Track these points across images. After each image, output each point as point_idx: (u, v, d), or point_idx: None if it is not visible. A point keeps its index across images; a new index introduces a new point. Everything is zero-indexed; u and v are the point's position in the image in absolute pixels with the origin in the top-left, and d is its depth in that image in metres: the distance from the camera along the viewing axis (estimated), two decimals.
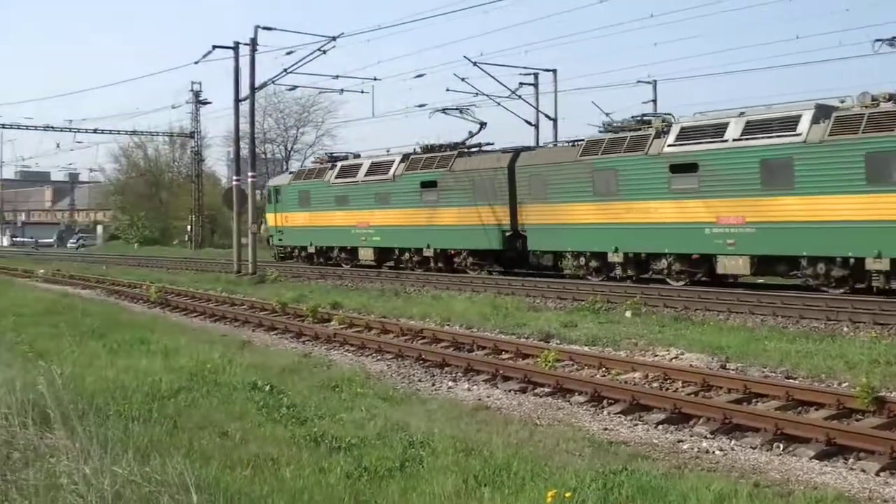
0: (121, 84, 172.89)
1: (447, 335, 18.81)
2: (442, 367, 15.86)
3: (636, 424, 11.56)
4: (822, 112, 24.98)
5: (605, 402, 12.67)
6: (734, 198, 26.59)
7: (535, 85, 49.51)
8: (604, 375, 14.47)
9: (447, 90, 47.69)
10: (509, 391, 13.80)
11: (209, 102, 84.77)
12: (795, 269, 25.88)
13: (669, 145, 28.49)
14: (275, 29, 38.25)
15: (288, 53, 39.11)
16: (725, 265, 27.15)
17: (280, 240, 48.94)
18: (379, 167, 41.40)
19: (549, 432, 10.59)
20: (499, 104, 46.79)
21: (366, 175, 41.96)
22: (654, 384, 13.65)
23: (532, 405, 12.75)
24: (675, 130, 28.71)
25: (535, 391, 13.67)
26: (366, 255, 41.97)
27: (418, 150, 40.36)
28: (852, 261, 24.18)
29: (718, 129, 27.29)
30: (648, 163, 29.00)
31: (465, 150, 37.91)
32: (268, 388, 12.38)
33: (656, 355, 16.13)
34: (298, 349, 18.54)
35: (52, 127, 79.96)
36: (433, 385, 14.48)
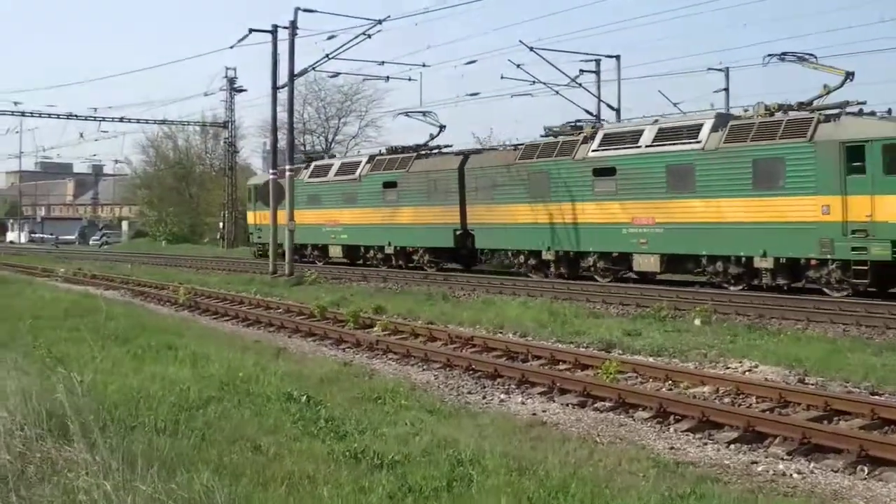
0: (150, 70, 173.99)
1: (499, 343, 18.80)
2: (494, 378, 15.82)
3: (705, 443, 11.46)
4: (721, 121, 30.24)
5: (671, 418, 12.59)
6: (646, 200, 31.53)
7: (597, 72, 49.42)
8: (670, 389, 14.39)
9: (502, 77, 47.62)
10: (567, 405, 13.74)
11: (244, 90, 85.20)
12: (699, 266, 30.50)
13: (593, 150, 33.69)
14: (316, 11, 38.26)
15: (330, 38, 39.16)
16: (640, 263, 32.10)
17: (259, 238, 53.94)
18: (348, 167, 47.43)
19: (611, 451, 10.52)
20: (557, 93, 46.69)
21: (335, 175, 47.93)
22: (726, 399, 13.54)
23: (592, 421, 12.69)
24: (599, 136, 33.99)
25: (595, 405, 13.61)
26: (335, 252, 48.47)
27: (384, 150, 46.54)
28: (743, 259, 28.99)
29: (635, 136, 32.52)
30: (575, 167, 34.15)
31: (424, 152, 43.48)
32: (304, 399, 12.41)
33: (728, 367, 16.00)
34: (338, 357, 18.57)
35: (76, 115, 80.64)
36: (484, 398, 14.45)
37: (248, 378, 13.77)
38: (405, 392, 13.62)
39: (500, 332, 21.05)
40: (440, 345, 19.44)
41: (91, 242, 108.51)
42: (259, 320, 24.98)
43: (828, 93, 28.95)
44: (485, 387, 15.30)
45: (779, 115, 28.77)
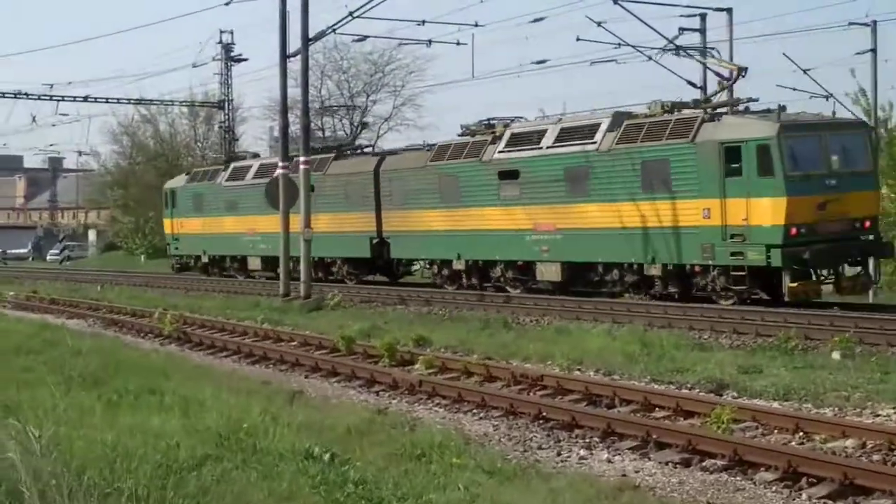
0: (122, 34, 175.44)
1: (578, 384, 18.81)
2: (571, 428, 15.84)
3: None
4: (617, 121, 35.15)
5: (803, 481, 12.53)
6: (547, 205, 36.63)
7: (702, 31, 49.07)
8: (802, 443, 14.33)
9: (577, 40, 47.25)
10: (666, 464, 13.73)
11: (245, 59, 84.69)
12: (604, 275, 35.53)
13: (500, 152, 39.05)
14: None
15: None
16: (542, 272, 37.57)
17: (176, 248, 61.03)
18: (265, 169, 51.24)
19: None
20: (650, 59, 46.45)
21: (254, 177, 52.70)
22: (875, 457, 13.47)
23: (699, 484, 12.67)
24: (506, 136, 39.33)
25: (703, 464, 13.59)
26: (254, 263, 53.67)
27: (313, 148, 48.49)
28: (635, 266, 34.15)
29: (539, 136, 37.93)
30: (482, 169, 39.53)
31: (343, 153, 49.16)
32: (327, 456, 12.46)
33: (877, 415, 15.91)
34: (370, 402, 18.66)
35: (25, 93, 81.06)
36: (558, 454, 14.46)
37: (255, 430, 13.83)
38: (457, 447, 13.64)
39: (579, 370, 21.05)
40: (501, 386, 19.47)
41: (49, 257, 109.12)
42: (268, 356, 25.17)
43: (722, 89, 34.96)
44: (559, 440, 15.30)
45: (667, 116, 33.87)
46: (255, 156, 56.53)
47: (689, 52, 36.97)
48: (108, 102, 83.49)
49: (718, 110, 33.33)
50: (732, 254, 31.11)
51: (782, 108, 32.55)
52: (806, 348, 22.89)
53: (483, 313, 32.53)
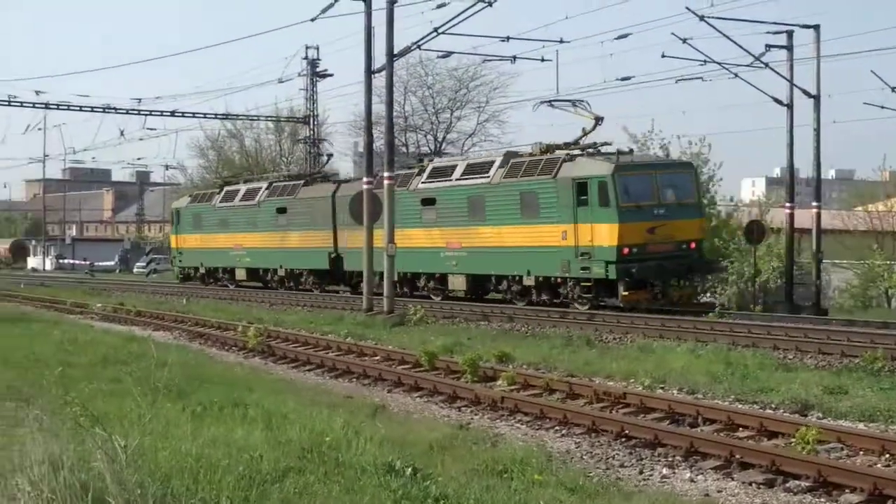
0: (209, 50, 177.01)
1: (661, 402, 18.75)
2: (653, 446, 15.80)
3: None
4: (506, 159, 43.68)
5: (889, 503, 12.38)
6: (455, 227, 44.59)
7: (789, 48, 48.70)
8: (888, 465, 14.18)
9: (663, 56, 47.12)
10: (749, 484, 13.65)
11: (330, 75, 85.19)
12: (498, 286, 43.81)
13: (422, 182, 47.42)
14: None
15: (439, 6, 39.28)
16: (453, 283, 45.95)
17: (180, 262, 71.43)
18: (250, 193, 62.74)
19: None
20: (736, 76, 46.22)
21: (241, 200, 63.20)
22: None
23: None
24: (428, 170, 48.06)
25: (787, 485, 13.50)
26: (240, 274, 63.75)
27: (281, 177, 64.09)
28: (517, 277, 42.11)
29: (451, 171, 46.57)
30: (409, 197, 47.27)
31: (311, 179, 59.28)
32: (409, 471, 12.45)
33: None
34: (452, 418, 18.69)
35: (114, 108, 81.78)
36: (640, 472, 14.42)
37: (337, 444, 13.86)
38: (539, 464, 13.62)
39: (662, 388, 20.98)
40: (583, 403, 19.43)
41: (136, 270, 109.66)
42: (350, 370, 25.30)
43: (584, 135, 42.62)
44: (642, 458, 15.27)
45: (541, 156, 42.08)
46: (249, 179, 67.26)
47: (572, 102, 43.16)
48: (194, 117, 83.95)
49: (574, 152, 41.31)
50: (582, 268, 38.82)
51: (624, 152, 41.04)
52: (893, 369, 22.63)
53: (565, 330, 32.45)
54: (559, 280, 40.26)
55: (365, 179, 41.56)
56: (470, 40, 61.64)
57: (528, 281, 41.51)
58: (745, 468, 14.26)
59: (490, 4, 37.32)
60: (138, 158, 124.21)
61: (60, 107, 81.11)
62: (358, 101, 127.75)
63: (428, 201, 46.65)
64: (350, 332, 33.03)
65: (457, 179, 45.32)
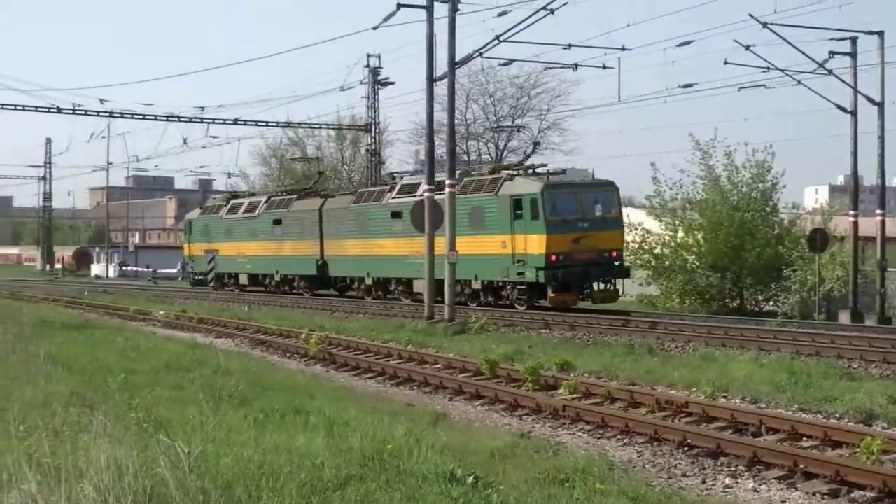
0: (271, 59, 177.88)
1: (723, 412, 18.63)
2: (716, 456, 15.72)
3: None
4: (461, 177, 46.88)
5: None
6: (419, 237, 44.94)
7: (853, 54, 48.37)
8: None
9: (725, 63, 46.95)
10: (813, 494, 13.56)
11: (391, 83, 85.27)
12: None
13: (392, 198, 53.90)
14: None
15: (501, 14, 39.38)
16: (417, 286, 49.38)
17: (192, 268, 79.38)
18: (252, 206, 69.92)
19: None
20: (799, 83, 45.93)
21: (243, 212, 70.25)
22: None
23: None
24: (398, 186, 54.65)
25: (852, 496, 13.40)
26: (243, 279, 70.65)
27: (278, 191, 72.00)
28: (468, 282, 47.39)
29: (416, 187, 50.40)
30: (382, 210, 54.38)
31: (303, 193, 66.02)
32: (470, 479, 12.47)
33: None
34: (513, 426, 18.66)
35: (177, 116, 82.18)
36: (703, 482, 14.36)
37: (399, 452, 13.89)
38: (600, 473, 13.59)
39: (724, 397, 20.84)
40: (645, 412, 19.36)
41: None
42: (411, 378, 25.33)
43: (526, 157, 53.61)
44: (704, 467, 15.20)
45: (487, 176, 48.71)
46: (252, 193, 76.09)
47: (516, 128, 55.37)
48: (256, 125, 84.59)
49: (513, 172, 47.38)
50: (518, 273, 44.70)
51: (555, 172, 47.71)
52: None
53: (627, 339, 32.36)
54: (501, 284, 46.65)
55: (426, 187, 41.58)
56: (531, 48, 61.46)
57: (476, 285, 47.73)
58: (808, 478, 14.16)
59: (552, 12, 37.23)
60: (201, 166, 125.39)
61: (124, 115, 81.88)
62: (419, 109, 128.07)
63: (396, 214, 52.88)
64: (411, 339, 33.03)
65: (420, 195, 47.66)
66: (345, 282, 60.17)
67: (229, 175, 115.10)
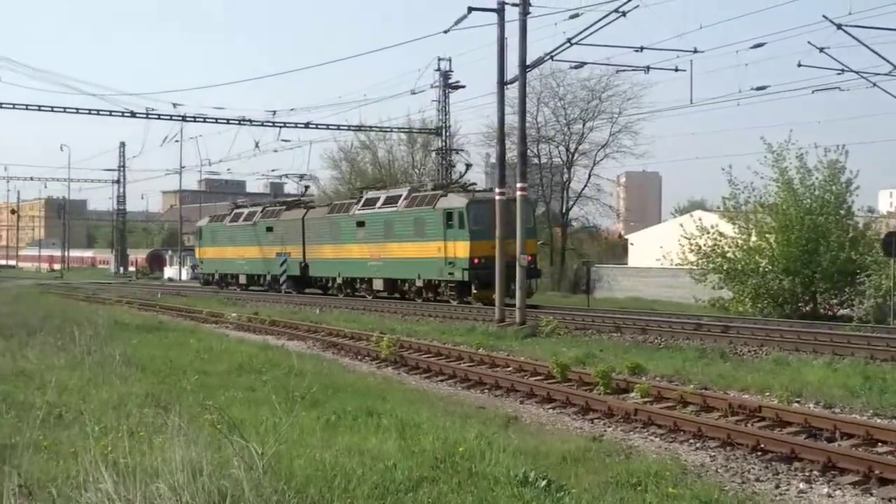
0: (341, 63, 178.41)
1: (796, 416, 18.49)
2: (789, 461, 15.63)
3: None
4: (409, 193, 59.38)
5: None
6: (377, 243, 60.38)
7: None
8: None
9: (799, 65, 46.62)
10: (889, 500, 13.45)
11: (462, 86, 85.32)
12: (402, 286, 59.79)
13: (357, 209, 63.97)
14: None
15: (572, 17, 39.23)
16: (375, 284, 61.76)
17: (201, 269, 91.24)
18: (250, 215, 79.83)
19: None
20: (874, 85, 45.53)
21: (243, 220, 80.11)
22: None
23: None
24: (362, 199, 65.05)
25: None
26: (242, 279, 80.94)
27: (273, 203, 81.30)
28: (413, 281, 57.69)
29: (376, 200, 62.51)
30: (350, 220, 64.45)
31: (291, 204, 76.02)
32: (543, 482, 12.47)
33: None
34: (585, 430, 18.64)
35: (249, 120, 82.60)
36: (777, 486, 14.27)
37: (471, 454, 13.92)
38: (673, 476, 13.56)
39: (798, 402, 20.71)
40: (718, 416, 19.26)
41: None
42: (483, 381, 25.30)
43: (461, 176, 64.39)
44: (777, 472, 15.10)
45: (430, 192, 58.42)
46: (255, 203, 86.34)
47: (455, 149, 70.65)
48: (328, 129, 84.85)
49: (450, 189, 57.45)
50: (449, 273, 54.29)
51: (481, 190, 59.28)
52: None
53: (699, 343, 32.19)
54: (437, 282, 56.19)
55: (497, 190, 41.63)
56: (603, 50, 61.59)
57: (419, 283, 57.67)
58: (884, 484, 14.04)
59: (623, 14, 37.13)
60: (272, 170, 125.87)
61: (197, 119, 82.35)
62: (489, 112, 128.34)
63: (360, 223, 63.36)
64: (482, 342, 32.98)
65: (378, 207, 62.09)
66: (320, 281, 70.28)
67: (300, 178, 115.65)
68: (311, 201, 78.53)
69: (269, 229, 75.41)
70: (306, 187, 77.48)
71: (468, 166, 69.73)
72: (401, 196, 60.24)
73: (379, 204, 62.11)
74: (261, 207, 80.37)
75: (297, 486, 11.01)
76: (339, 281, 66.34)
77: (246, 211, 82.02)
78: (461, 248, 52.65)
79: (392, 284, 61.03)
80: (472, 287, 52.77)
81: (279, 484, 10.49)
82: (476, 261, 51.75)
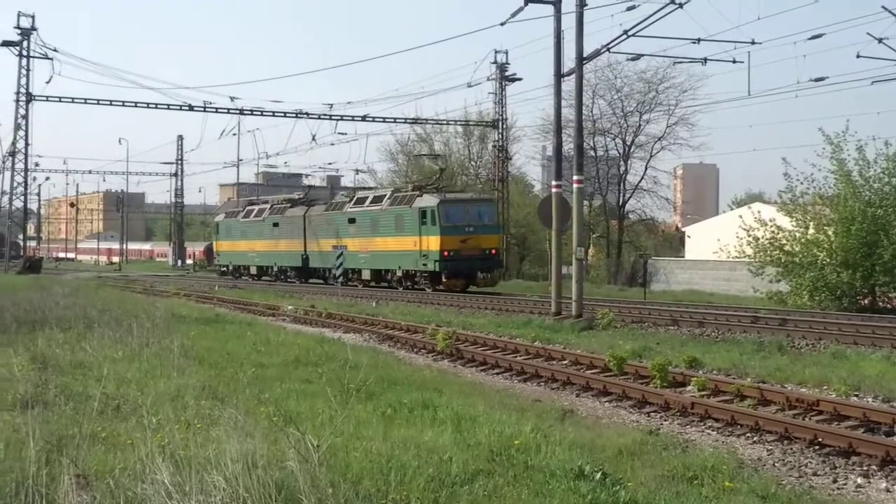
0: (398, 56, 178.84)
1: (855, 410, 18.33)
2: (847, 455, 15.54)
3: None
4: (392, 193, 68.08)
5: None
6: (365, 237, 68.27)
7: None
8: None
9: (857, 57, 46.38)
10: None
11: (518, 79, 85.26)
12: (385, 276, 67.67)
13: (349, 207, 71.68)
14: None
15: (629, 9, 39.17)
16: (363, 274, 68.94)
17: (217, 261, 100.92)
18: (259, 212, 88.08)
19: None
20: None
21: (254, 217, 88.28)
22: None
23: None
24: (354, 198, 73.20)
25: None
26: (253, 270, 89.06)
27: (279, 200, 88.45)
28: (394, 271, 65.61)
29: (364, 200, 70.80)
30: (343, 217, 71.93)
31: (295, 202, 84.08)
32: (598, 475, 12.43)
33: None
34: (641, 423, 18.59)
35: (306, 113, 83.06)
36: (834, 481, 14.19)
37: (526, 447, 13.93)
38: (729, 470, 13.51)
39: (856, 396, 20.55)
40: (775, 410, 19.14)
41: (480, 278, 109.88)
42: (539, 374, 25.28)
43: (437, 178, 70.50)
44: (835, 467, 15.02)
45: (409, 192, 66.51)
46: (266, 200, 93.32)
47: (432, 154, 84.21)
48: (384, 122, 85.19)
49: (425, 190, 65.23)
50: (423, 264, 62.34)
51: (453, 190, 69.65)
52: None
53: (756, 336, 32.03)
54: (414, 272, 63.92)
55: (554, 183, 41.55)
56: (659, 42, 61.41)
57: (399, 273, 65.73)
58: None
59: (680, 6, 36.98)
60: (329, 163, 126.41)
61: (254, 112, 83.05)
62: (545, 105, 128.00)
63: (352, 220, 71.36)
64: (538, 335, 32.89)
65: (366, 206, 70.21)
66: (318, 272, 78.07)
67: (357, 171, 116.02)
68: (312, 199, 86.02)
69: (276, 225, 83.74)
70: (442, 170, 78.01)
71: (443, 170, 78.08)
72: (385, 196, 69.38)
73: (367, 203, 70.79)
74: (269, 205, 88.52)
75: (352, 479, 11.03)
76: (336, 271, 71.99)
77: (256, 208, 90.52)
78: (433, 242, 61.12)
79: (378, 274, 69.08)
80: (443, 276, 61.31)
81: (335, 476, 10.51)
82: (446, 253, 60.60)
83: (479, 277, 62.03)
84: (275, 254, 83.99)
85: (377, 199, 69.75)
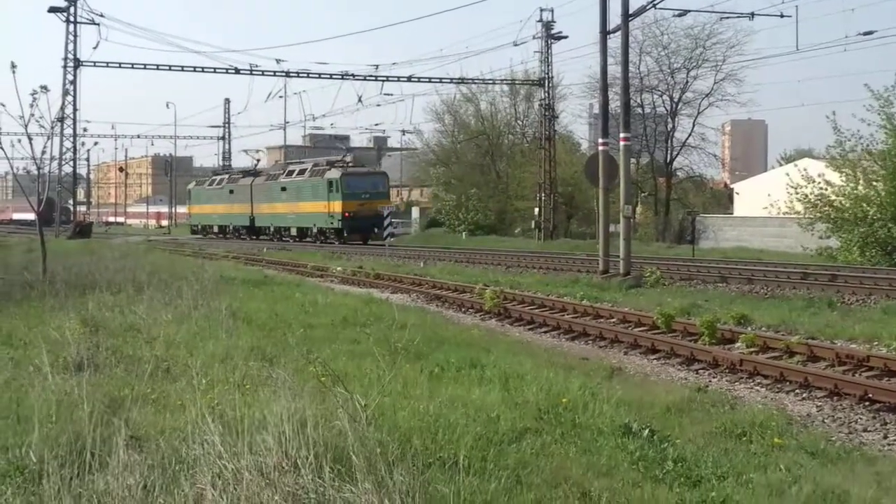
0: (443, 15, 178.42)
1: None
2: None
3: None
4: (312, 168, 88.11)
5: None
6: (293, 202, 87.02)
7: None
8: None
9: None
10: None
11: (564, 37, 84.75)
12: (306, 233, 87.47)
13: (283, 177, 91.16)
14: None
15: None
16: (291, 231, 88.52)
17: (189, 221, 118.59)
18: (221, 181, 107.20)
19: None
20: None
21: (216, 185, 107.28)
22: None
23: None
24: (287, 170, 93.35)
25: None
26: (214, 229, 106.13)
27: (235, 171, 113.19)
28: (311, 228, 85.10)
29: (294, 172, 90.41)
30: (278, 185, 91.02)
31: (245, 173, 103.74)
32: (646, 433, 12.46)
33: None
34: (689, 380, 18.57)
35: (352, 74, 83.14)
36: (885, 437, 14.15)
37: (574, 405, 13.92)
38: (778, 427, 13.47)
39: None
40: (825, 367, 19.08)
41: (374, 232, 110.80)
42: (586, 332, 25.28)
43: (345, 155, 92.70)
44: (886, 423, 14.98)
45: (323, 166, 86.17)
46: (238, 170, 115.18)
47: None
48: (430, 82, 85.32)
49: (334, 165, 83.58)
50: (330, 223, 79.15)
51: (353, 165, 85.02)
52: None
53: (806, 292, 31.89)
54: (325, 229, 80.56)
55: (601, 141, 41.41)
56: None
57: (315, 230, 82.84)
58: None
59: None
60: (376, 124, 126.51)
61: (300, 75, 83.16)
62: (592, 63, 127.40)
63: (283, 189, 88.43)
64: (585, 294, 32.81)
65: (294, 178, 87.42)
66: (263, 230, 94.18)
67: (403, 132, 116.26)
68: (260, 171, 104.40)
69: (231, 192, 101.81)
70: (258, 161, 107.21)
71: (349, 150, 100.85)
72: (307, 169, 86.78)
73: (294, 175, 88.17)
74: (227, 175, 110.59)
75: (400, 438, 11.05)
76: (271, 230, 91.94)
77: (218, 178, 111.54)
78: (337, 206, 78.09)
79: (302, 231, 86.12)
80: (344, 232, 78.11)
81: (383, 435, 10.54)
82: (347, 214, 77.35)
83: (375, 233, 74.48)
84: (231, 215, 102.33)
85: (301, 172, 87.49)
